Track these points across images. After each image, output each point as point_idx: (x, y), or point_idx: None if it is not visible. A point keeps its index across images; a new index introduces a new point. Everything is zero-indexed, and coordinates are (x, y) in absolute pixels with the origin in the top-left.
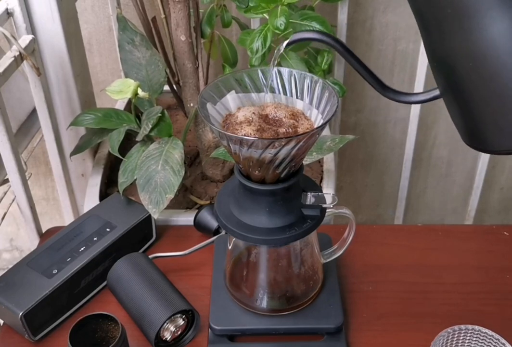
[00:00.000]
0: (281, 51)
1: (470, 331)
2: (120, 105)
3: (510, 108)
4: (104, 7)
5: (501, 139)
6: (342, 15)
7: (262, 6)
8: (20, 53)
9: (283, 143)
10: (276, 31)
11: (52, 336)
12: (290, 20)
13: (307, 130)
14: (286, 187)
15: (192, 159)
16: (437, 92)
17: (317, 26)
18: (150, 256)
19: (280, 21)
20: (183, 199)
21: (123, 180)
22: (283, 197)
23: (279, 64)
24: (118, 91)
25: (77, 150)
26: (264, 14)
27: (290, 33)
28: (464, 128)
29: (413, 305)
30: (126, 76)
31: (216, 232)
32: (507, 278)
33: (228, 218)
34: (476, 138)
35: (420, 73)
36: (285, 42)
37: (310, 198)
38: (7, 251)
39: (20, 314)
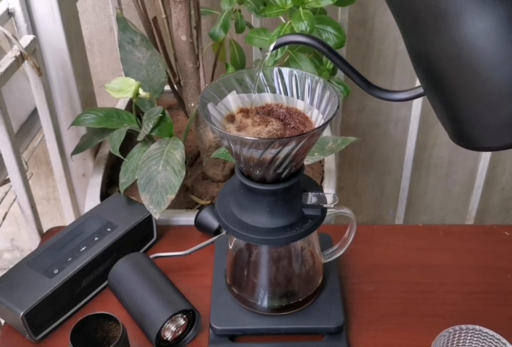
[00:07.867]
0: (268, 55)
1: (471, 331)
2: (121, 105)
3: (490, 104)
4: (105, 7)
5: (485, 136)
6: (343, 15)
7: (278, 6)
8: (21, 53)
9: (283, 143)
10: None
11: (53, 336)
12: None
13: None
14: (287, 186)
15: (193, 160)
16: (421, 90)
17: (332, 31)
18: (151, 256)
19: (305, 25)
20: (184, 199)
21: (124, 180)
22: (284, 197)
23: (287, 65)
24: (118, 90)
25: (78, 150)
26: (280, 16)
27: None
28: (449, 126)
29: (414, 305)
30: (127, 76)
31: (217, 232)
32: (508, 278)
33: (229, 218)
34: (462, 136)
35: None
36: (272, 46)
37: (311, 198)
38: (8, 251)
39: (21, 314)
